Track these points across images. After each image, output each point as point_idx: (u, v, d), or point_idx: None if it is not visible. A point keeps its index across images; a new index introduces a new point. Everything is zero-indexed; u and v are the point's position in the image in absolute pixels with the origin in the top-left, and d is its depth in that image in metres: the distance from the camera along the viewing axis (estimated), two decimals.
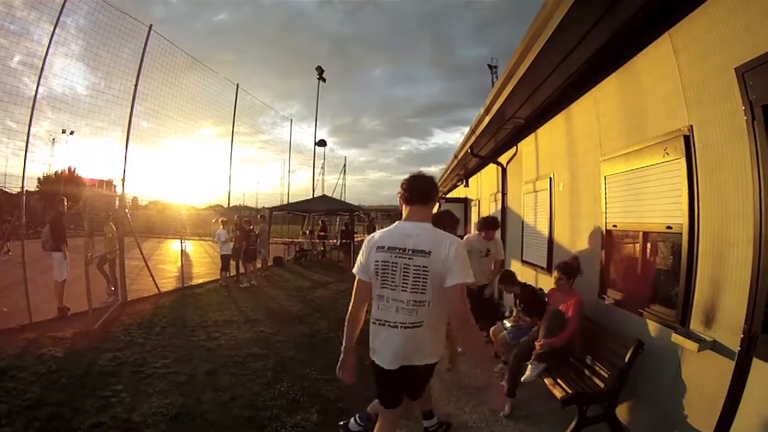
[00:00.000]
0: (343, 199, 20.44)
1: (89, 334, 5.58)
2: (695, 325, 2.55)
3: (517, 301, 4.57)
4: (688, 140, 2.60)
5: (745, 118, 2.06)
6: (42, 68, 6.75)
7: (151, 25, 8.57)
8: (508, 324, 4.38)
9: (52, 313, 6.43)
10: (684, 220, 2.66)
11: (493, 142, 7.65)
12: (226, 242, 10.42)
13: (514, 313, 4.55)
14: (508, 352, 3.97)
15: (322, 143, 23.47)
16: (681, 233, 2.70)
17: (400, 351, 2.15)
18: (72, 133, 10.35)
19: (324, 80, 23.28)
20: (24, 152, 6.56)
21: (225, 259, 10.47)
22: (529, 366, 3.54)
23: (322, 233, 18.17)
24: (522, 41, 3.70)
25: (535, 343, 3.54)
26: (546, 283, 4.95)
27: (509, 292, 4.77)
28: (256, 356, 5.01)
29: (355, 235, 15.71)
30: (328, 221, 19.85)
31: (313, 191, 21.38)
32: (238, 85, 12.86)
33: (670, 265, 2.95)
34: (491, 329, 4.62)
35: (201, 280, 10.75)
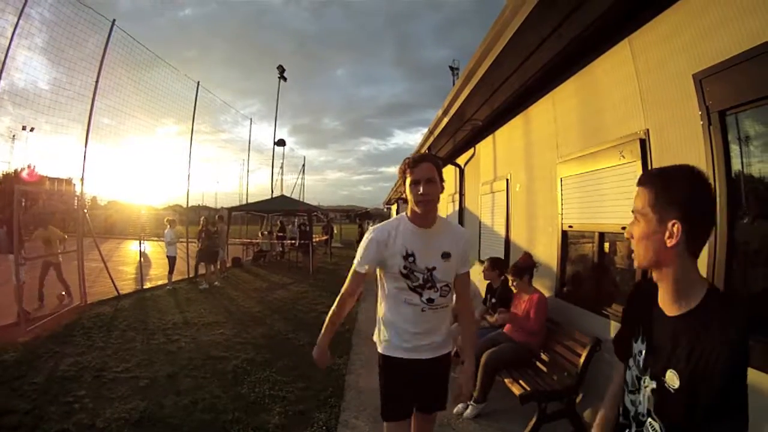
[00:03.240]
0: (301, 200, 20.11)
1: (28, 342, 5.22)
2: None
3: (489, 296, 4.50)
4: (644, 143, 2.68)
5: (702, 122, 2.13)
6: (4, 61, 6.41)
7: (114, 20, 8.40)
8: None
9: (13, 318, 6.02)
10: None
11: (452, 144, 7.72)
12: (172, 244, 10.01)
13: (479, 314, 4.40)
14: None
15: (281, 143, 23.10)
16: None
17: None
18: (32, 130, 9.71)
19: (285, 79, 22.87)
20: None
21: (172, 261, 10.09)
22: (470, 406, 3.49)
23: (281, 234, 17.79)
24: (482, 43, 3.69)
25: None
26: None
27: (489, 279, 4.55)
28: (216, 359, 4.89)
29: (314, 237, 15.46)
30: (286, 221, 19.47)
31: (272, 191, 20.90)
32: (198, 83, 12.44)
33: (626, 264, 3.04)
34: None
35: (160, 282, 10.28)
